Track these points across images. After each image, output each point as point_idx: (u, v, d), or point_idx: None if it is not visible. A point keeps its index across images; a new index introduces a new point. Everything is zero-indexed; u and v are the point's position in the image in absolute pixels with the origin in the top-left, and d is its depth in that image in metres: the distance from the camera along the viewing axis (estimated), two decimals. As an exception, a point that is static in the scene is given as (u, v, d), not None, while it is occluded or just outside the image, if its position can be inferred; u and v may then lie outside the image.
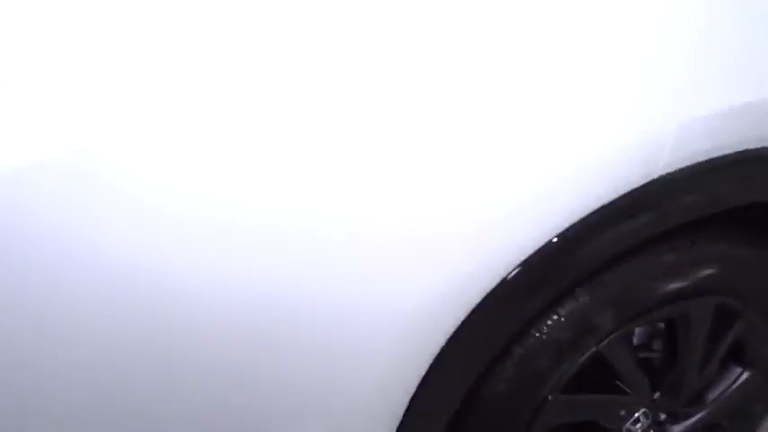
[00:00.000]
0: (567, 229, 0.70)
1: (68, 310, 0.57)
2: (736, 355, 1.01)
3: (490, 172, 0.65)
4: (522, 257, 0.70)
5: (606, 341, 0.85)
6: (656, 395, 0.97)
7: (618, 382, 0.93)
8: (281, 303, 0.63)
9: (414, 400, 0.73)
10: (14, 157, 0.52)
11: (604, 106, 0.68)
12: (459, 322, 0.70)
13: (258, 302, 0.62)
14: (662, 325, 0.97)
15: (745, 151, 0.75)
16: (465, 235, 0.67)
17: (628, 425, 0.98)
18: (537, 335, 0.80)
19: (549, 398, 0.84)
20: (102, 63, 0.55)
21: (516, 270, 0.70)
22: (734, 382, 1.03)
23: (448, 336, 0.70)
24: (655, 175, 0.71)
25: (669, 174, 0.72)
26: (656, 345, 1.02)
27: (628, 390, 0.93)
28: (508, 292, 0.71)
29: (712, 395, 1.02)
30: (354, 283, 0.64)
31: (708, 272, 0.88)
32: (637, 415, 0.98)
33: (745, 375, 1.03)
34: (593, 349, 0.84)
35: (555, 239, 0.70)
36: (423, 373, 0.71)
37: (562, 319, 0.80)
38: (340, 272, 0.63)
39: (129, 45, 0.56)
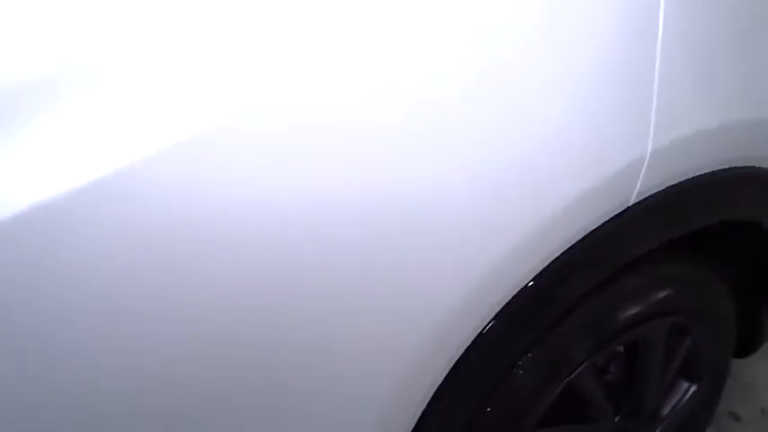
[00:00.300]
0: (542, 272, 0.68)
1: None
2: (685, 371, 1.03)
3: (463, 222, 0.60)
4: (498, 308, 0.67)
5: (577, 372, 0.83)
6: (617, 418, 0.97)
7: (583, 409, 0.92)
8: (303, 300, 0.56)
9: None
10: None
11: (575, 141, 0.65)
12: (440, 381, 0.67)
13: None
14: (620, 348, 0.98)
15: (714, 173, 0.76)
16: (438, 290, 0.62)
17: (591, 450, 0.98)
18: (515, 372, 0.77)
19: (527, 435, 0.82)
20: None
21: (491, 323, 0.67)
22: (683, 396, 1.05)
23: (431, 394, 0.67)
24: (629, 203, 0.71)
25: (642, 200, 0.71)
26: (612, 368, 1.02)
27: (593, 416, 0.93)
28: (486, 344, 0.68)
29: (665, 411, 1.04)
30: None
31: (665, 293, 0.89)
32: (600, 439, 0.98)
33: (693, 389, 1.05)
34: (566, 381, 0.83)
35: (531, 283, 0.68)
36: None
37: (538, 357, 0.77)
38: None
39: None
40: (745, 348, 1.15)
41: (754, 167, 0.84)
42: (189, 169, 0.47)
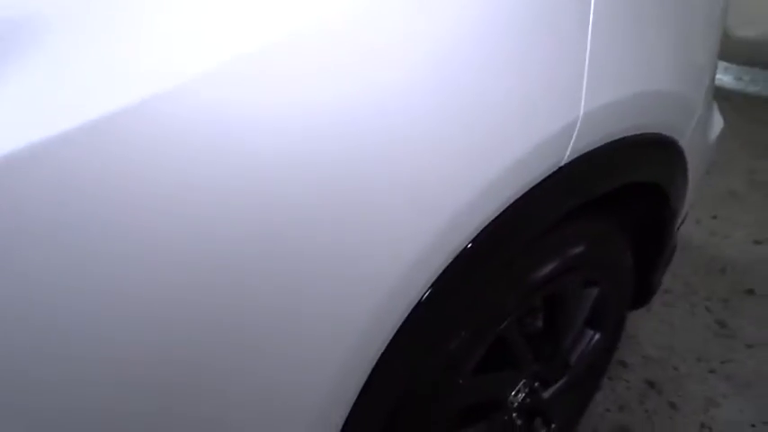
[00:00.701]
0: (480, 234, 0.71)
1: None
2: (591, 321, 1.13)
3: (401, 193, 0.62)
4: (439, 272, 0.69)
5: (506, 323, 0.89)
6: (535, 365, 1.06)
7: (505, 359, 0.99)
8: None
9: (354, 407, 0.70)
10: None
11: (518, 104, 0.68)
12: (387, 342, 0.69)
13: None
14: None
15: (631, 137, 0.84)
16: (382, 261, 0.63)
17: (511, 396, 1.05)
18: (454, 330, 0.81)
19: (461, 381, 0.87)
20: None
21: (428, 291, 0.69)
22: (588, 344, 1.16)
23: (379, 353, 0.69)
24: (562, 163, 0.77)
25: (574, 160, 0.77)
26: (528, 320, 1.10)
27: (517, 364, 1.00)
28: (428, 311, 0.70)
29: (573, 358, 1.14)
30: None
31: (580, 249, 0.97)
32: (519, 386, 1.06)
33: (597, 337, 1.16)
34: (497, 333, 0.89)
35: (469, 245, 0.71)
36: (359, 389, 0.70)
37: (474, 315, 0.82)
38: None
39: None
40: (636, 301, 1.28)
41: (659, 134, 0.93)
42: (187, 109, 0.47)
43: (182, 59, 0.47)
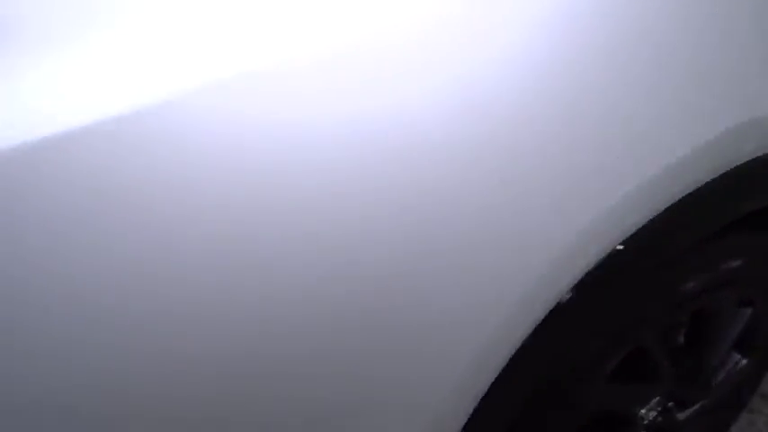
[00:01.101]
0: (636, 235, 0.67)
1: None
2: (739, 344, 1.04)
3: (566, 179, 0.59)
4: (583, 273, 0.66)
5: (650, 333, 0.84)
6: (674, 383, 0.99)
7: (642, 371, 0.93)
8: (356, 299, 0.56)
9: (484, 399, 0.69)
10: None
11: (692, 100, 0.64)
12: (518, 346, 0.66)
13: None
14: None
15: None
16: (522, 258, 0.61)
17: (643, 412, 0.99)
18: (592, 335, 0.77)
19: (594, 387, 0.83)
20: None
21: (573, 289, 0.66)
22: (733, 369, 1.07)
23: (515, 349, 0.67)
24: (732, 167, 0.71)
25: (746, 163, 0.71)
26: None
27: (655, 378, 0.94)
28: (570, 309, 0.67)
29: (716, 381, 1.06)
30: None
31: (739, 262, 0.89)
32: (652, 402, 0.99)
33: (743, 363, 1.07)
34: (639, 341, 0.84)
35: (621, 247, 0.67)
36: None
37: (620, 313, 0.78)
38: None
39: None
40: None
41: None
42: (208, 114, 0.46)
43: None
